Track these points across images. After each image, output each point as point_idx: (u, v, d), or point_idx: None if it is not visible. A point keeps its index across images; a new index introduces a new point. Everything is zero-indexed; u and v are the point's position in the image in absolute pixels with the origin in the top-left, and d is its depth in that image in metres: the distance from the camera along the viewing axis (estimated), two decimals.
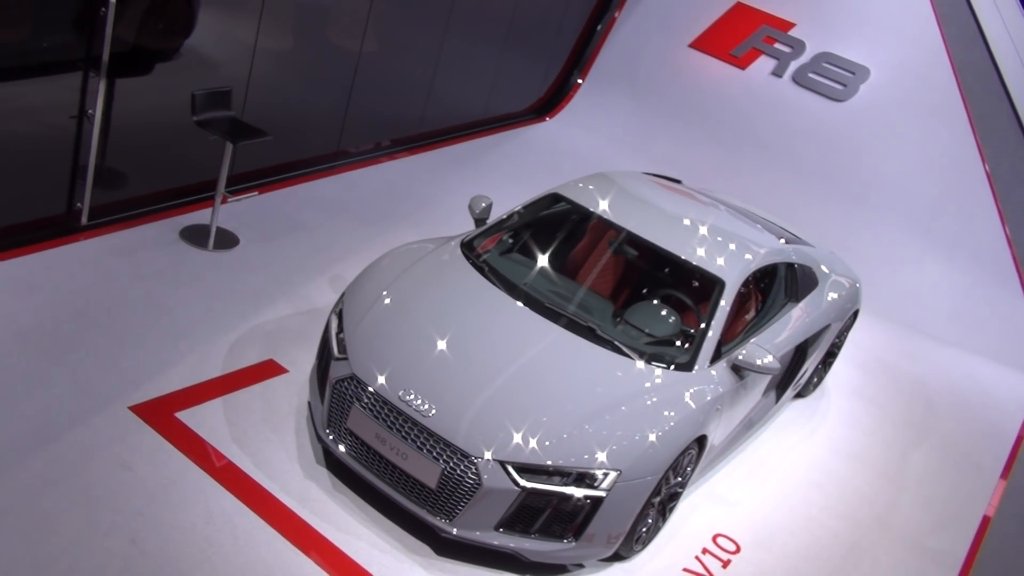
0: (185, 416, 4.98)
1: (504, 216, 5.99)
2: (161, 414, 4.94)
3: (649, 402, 4.82)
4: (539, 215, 6.04)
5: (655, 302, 5.60)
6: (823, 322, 6.61)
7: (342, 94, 8.64)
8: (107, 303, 5.69)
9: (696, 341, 5.29)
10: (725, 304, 5.43)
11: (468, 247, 5.64)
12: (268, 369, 5.58)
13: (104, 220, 6.51)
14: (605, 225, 5.86)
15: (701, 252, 5.65)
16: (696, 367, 5.17)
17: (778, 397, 6.50)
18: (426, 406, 4.50)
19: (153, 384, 5.14)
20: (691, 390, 5.02)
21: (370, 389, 4.62)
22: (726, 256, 5.68)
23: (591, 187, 6.12)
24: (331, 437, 4.77)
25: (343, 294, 5.28)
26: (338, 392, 4.75)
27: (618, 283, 5.79)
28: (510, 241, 5.90)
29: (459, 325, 4.97)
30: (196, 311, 5.90)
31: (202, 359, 5.47)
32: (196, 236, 6.70)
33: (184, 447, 4.75)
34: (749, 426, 6.15)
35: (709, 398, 5.06)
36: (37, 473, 4.34)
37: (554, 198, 6.04)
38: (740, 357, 5.28)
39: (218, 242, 6.71)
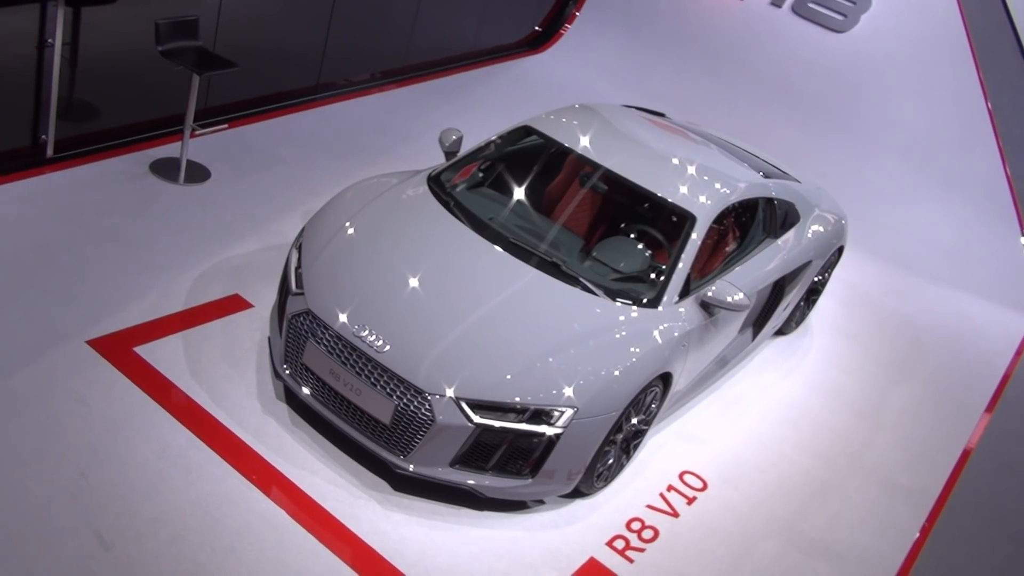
0: (144, 351, 4.94)
1: (474, 149, 5.85)
2: (119, 349, 4.90)
3: (611, 338, 4.75)
4: (510, 149, 5.90)
5: (624, 238, 5.49)
6: (803, 258, 6.49)
7: (322, 24, 8.43)
8: (70, 237, 5.63)
9: (664, 277, 5.19)
10: (696, 239, 5.31)
11: (436, 181, 5.53)
12: (232, 304, 5.52)
13: (71, 153, 6.41)
14: (576, 159, 5.72)
15: (675, 187, 5.52)
16: (663, 303, 5.08)
17: (755, 335, 6.42)
18: (380, 342, 4.44)
19: (113, 319, 5.09)
20: (657, 327, 4.93)
21: (325, 324, 4.56)
22: (699, 191, 5.54)
23: (564, 119, 5.97)
24: (288, 372, 4.73)
25: (304, 227, 5.19)
26: (294, 327, 4.69)
27: (590, 219, 5.67)
28: (480, 175, 5.78)
29: (420, 261, 4.88)
30: (162, 245, 5.83)
31: (165, 294, 5.42)
32: (166, 170, 6.59)
33: (141, 382, 4.72)
34: (723, 364, 6.07)
35: (675, 335, 4.98)
36: None
37: (526, 130, 5.90)
38: (709, 294, 5.19)
39: (188, 176, 6.61)
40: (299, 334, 4.66)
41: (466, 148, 5.96)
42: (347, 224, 5.03)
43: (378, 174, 5.76)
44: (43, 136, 6.23)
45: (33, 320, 4.90)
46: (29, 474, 4.05)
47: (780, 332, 7.09)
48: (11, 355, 4.64)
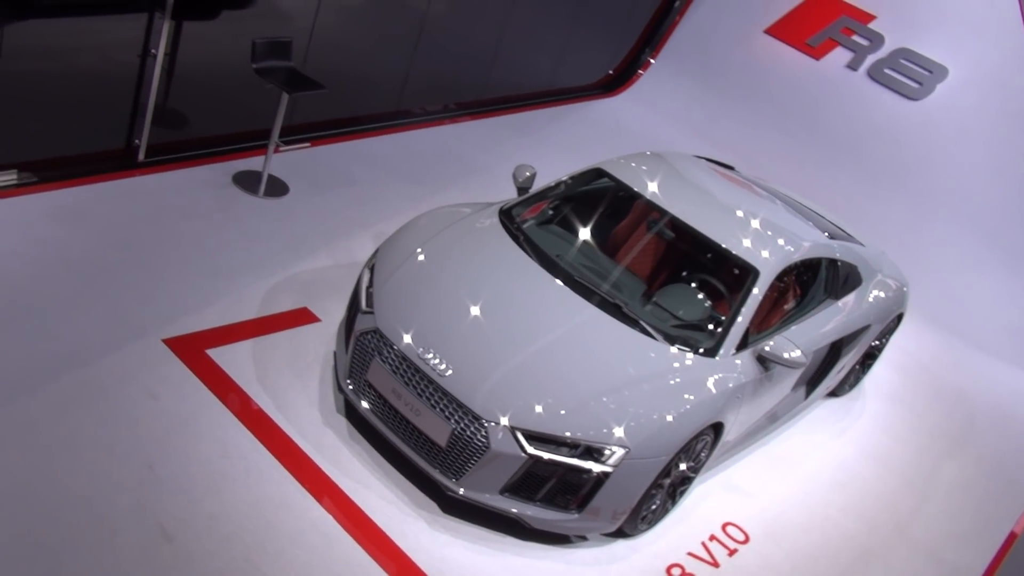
0: (215, 353, 5.13)
1: (545, 187, 6.00)
2: (192, 349, 5.10)
3: (668, 383, 4.82)
4: (581, 189, 6.04)
5: (687, 285, 5.58)
6: (863, 322, 6.50)
7: (406, 53, 8.70)
8: (154, 238, 5.87)
9: (724, 328, 5.26)
10: (757, 293, 5.37)
11: (507, 215, 5.68)
12: (301, 316, 5.71)
13: (160, 159, 6.69)
14: (645, 204, 5.83)
15: (740, 240, 5.60)
16: (720, 353, 5.14)
17: (808, 393, 6.43)
18: (443, 366, 4.57)
19: (188, 320, 5.30)
20: (712, 376, 5.00)
21: (392, 344, 4.71)
22: (765, 246, 5.61)
23: (635, 165, 6.09)
24: (351, 387, 4.88)
25: (378, 249, 5.37)
26: (361, 344, 4.84)
27: (653, 264, 5.76)
28: (550, 213, 5.91)
29: (487, 292, 5.01)
30: (238, 254, 6.05)
31: (238, 300, 5.62)
32: (248, 182, 6.84)
33: (210, 383, 4.91)
34: (774, 419, 6.10)
35: (730, 386, 5.04)
36: (66, 393, 4.52)
37: (598, 173, 6.03)
38: (767, 348, 5.24)
39: (268, 189, 6.85)
40: (365, 351, 4.81)
41: (538, 185, 6.11)
42: (419, 249, 5.20)
43: (452, 203, 5.93)
44: (136, 140, 6.53)
45: (115, 315, 5.13)
46: (100, 461, 4.24)
47: (833, 393, 7.09)
48: (93, 346, 4.86)
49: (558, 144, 9.97)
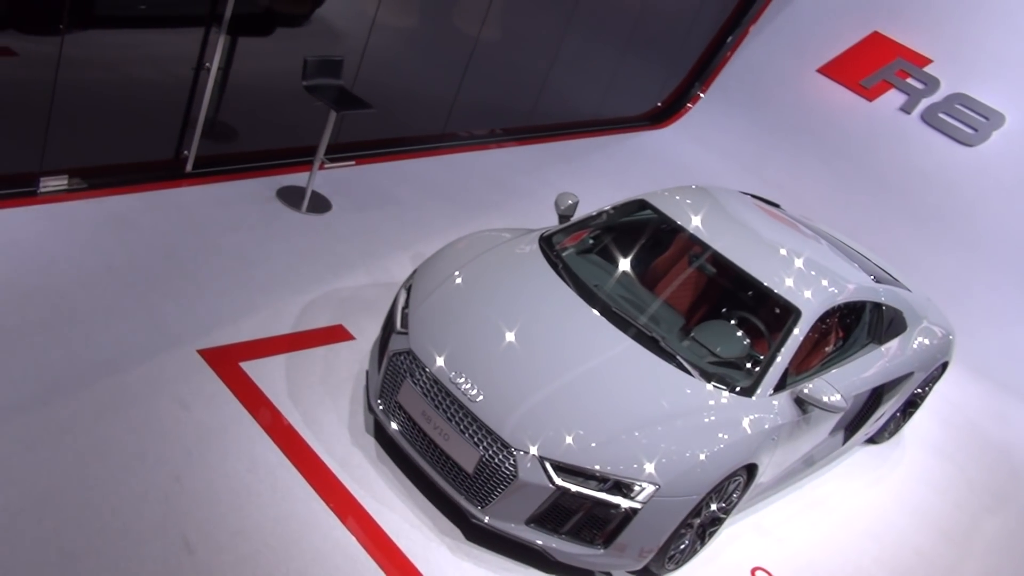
0: (249, 367, 5.15)
1: (587, 215, 5.96)
2: (226, 361, 5.11)
3: (702, 421, 4.73)
4: (623, 220, 5.99)
5: (725, 322, 5.49)
6: (905, 369, 6.36)
7: (455, 78, 8.75)
8: (196, 249, 5.93)
9: (762, 367, 5.16)
10: (798, 334, 5.27)
11: (547, 242, 5.64)
12: (336, 334, 5.71)
13: (207, 171, 6.77)
14: (687, 238, 5.76)
15: (783, 279, 5.50)
16: (758, 393, 5.04)
17: (846, 439, 6.29)
18: (475, 391, 4.53)
19: (224, 332, 5.32)
20: (748, 416, 4.90)
21: (424, 367, 4.68)
22: (808, 286, 5.51)
23: (679, 197, 6.03)
24: (381, 408, 4.86)
25: (415, 270, 5.36)
26: (394, 365, 4.82)
27: (693, 299, 5.69)
28: (590, 242, 5.87)
29: (523, 319, 4.97)
30: (278, 268, 6.08)
31: (275, 315, 5.64)
32: (291, 197, 6.90)
33: (242, 396, 4.91)
34: (810, 463, 5.97)
35: (766, 427, 4.94)
36: (100, 400, 4.55)
37: (641, 204, 5.98)
38: (806, 391, 5.13)
39: (311, 206, 6.90)
40: (397, 372, 4.79)
41: (580, 214, 6.08)
42: (457, 273, 5.18)
43: (492, 228, 5.91)
44: (185, 152, 6.61)
45: (153, 323, 5.17)
46: (128, 469, 4.25)
47: (872, 440, 6.93)
48: (129, 354, 4.90)
49: (603, 173, 9.95)
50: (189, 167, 6.65)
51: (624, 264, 5.73)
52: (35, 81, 5.62)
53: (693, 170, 11.03)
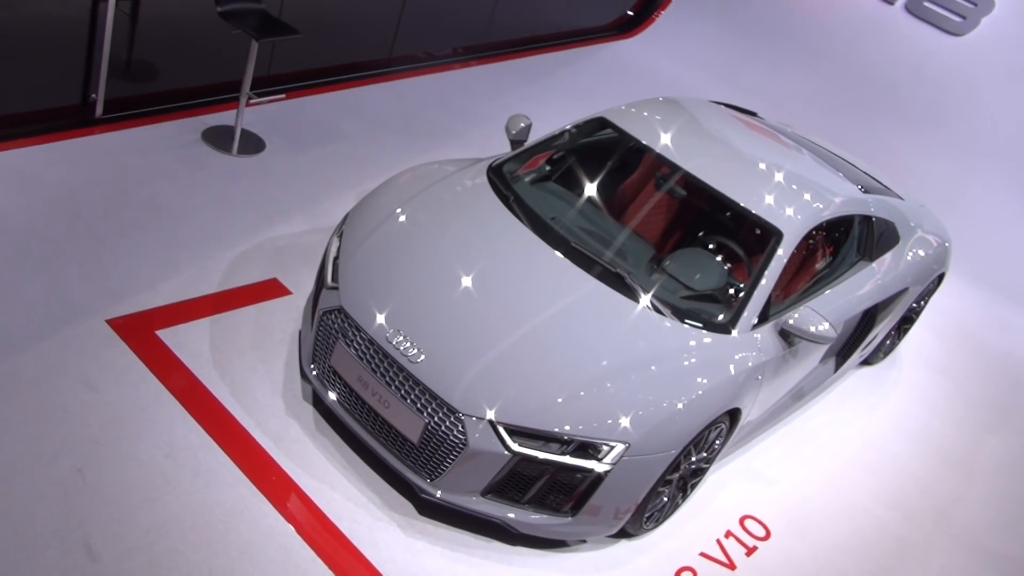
0: (167, 335, 4.59)
1: (542, 139, 5.34)
2: (141, 331, 4.55)
3: (675, 366, 4.21)
4: (582, 142, 5.38)
5: (699, 250, 4.93)
6: (900, 285, 5.83)
7: None
8: (108, 205, 5.31)
9: (740, 300, 4.62)
10: (780, 257, 4.72)
11: (496, 172, 5.04)
12: (269, 289, 5.14)
13: (121, 115, 6.10)
14: (654, 159, 5.16)
15: (761, 197, 4.93)
16: (737, 328, 4.51)
17: (838, 366, 5.80)
18: (415, 350, 3.98)
19: (139, 297, 4.75)
20: (728, 355, 4.38)
21: (357, 325, 4.13)
22: (788, 203, 4.94)
23: (644, 113, 5.41)
24: (315, 374, 4.32)
25: (348, 214, 4.76)
26: (325, 324, 4.27)
27: (663, 227, 5.13)
28: (546, 169, 5.27)
29: (469, 262, 4.40)
30: (203, 219, 5.48)
31: (198, 273, 5.06)
32: (219, 139, 6.24)
33: (158, 369, 4.36)
34: (799, 397, 5.48)
35: (749, 366, 4.42)
36: None
37: (601, 123, 5.36)
38: (791, 322, 4.60)
39: (242, 147, 6.25)
40: (329, 333, 4.24)
41: (535, 137, 5.45)
42: (393, 214, 4.58)
43: (437, 160, 5.29)
44: (92, 95, 5.93)
45: (55, 293, 4.58)
46: (22, 465, 3.72)
47: (866, 362, 6.44)
48: (25, 330, 4.33)
49: (568, 91, 9.26)
50: (99, 112, 5.97)
51: (584, 192, 5.15)
52: None
53: (665, 81, 10.33)
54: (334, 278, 4.37)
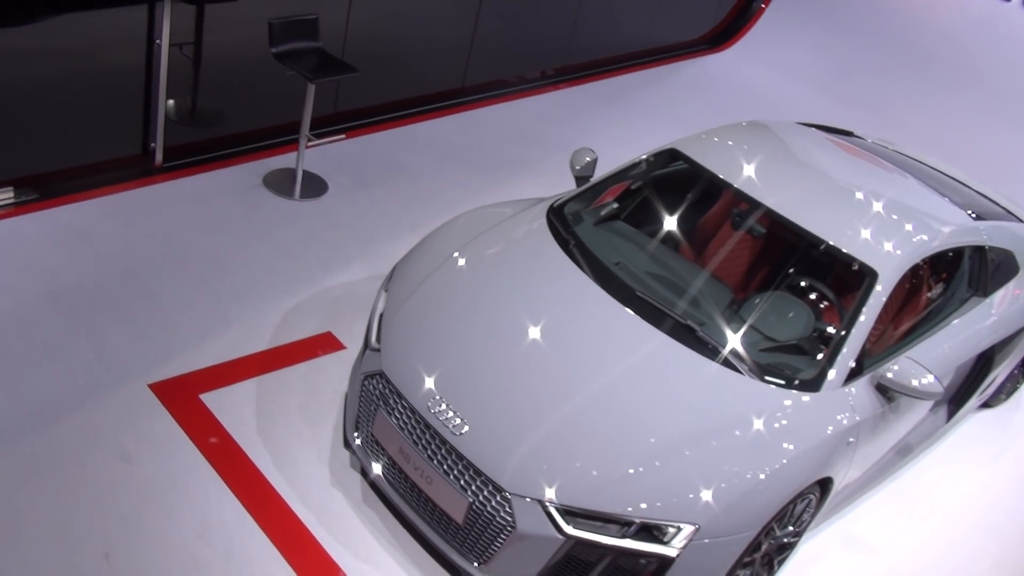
0: (211, 398, 4.37)
1: (608, 175, 4.94)
2: (183, 394, 4.35)
3: (753, 433, 3.73)
4: (652, 176, 4.94)
5: (781, 296, 4.42)
6: (1021, 321, 5.17)
7: (469, 18, 7.71)
8: (162, 258, 5.17)
9: (829, 351, 4.10)
10: (875, 301, 4.18)
11: (557, 214, 4.65)
12: (322, 343, 4.89)
13: (183, 162, 5.99)
14: (730, 193, 4.69)
15: (852, 232, 4.39)
16: (826, 385, 3.99)
17: (951, 414, 5.17)
18: (458, 421, 3.63)
19: (185, 358, 4.55)
20: (814, 418, 3.87)
21: (398, 392, 3.80)
22: (885, 237, 4.39)
23: (720, 141, 4.94)
24: (359, 443, 4.01)
25: (395, 265, 4.46)
26: (367, 390, 3.96)
27: (739, 270, 4.64)
28: (613, 207, 4.86)
29: (523, 319, 4.01)
30: (259, 269, 5.28)
31: (250, 328, 4.85)
32: (281, 183, 6.07)
33: (197, 436, 4.14)
34: (905, 452, 4.89)
35: (839, 429, 3.90)
36: (22, 461, 3.84)
37: (672, 155, 4.92)
38: (889, 375, 4.06)
39: (304, 190, 6.06)
40: (371, 399, 3.93)
41: (606, 170, 5.04)
42: (440, 266, 4.25)
43: (499, 201, 4.95)
44: (152, 143, 5.83)
45: (99, 357, 4.43)
46: (45, 549, 3.53)
47: (985, 405, 5.76)
48: (66, 398, 4.17)
49: (654, 112, 8.80)
50: (158, 160, 5.87)
51: (653, 233, 4.71)
52: None
53: (762, 96, 9.75)
54: (378, 338, 4.06)
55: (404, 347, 3.93)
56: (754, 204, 4.55)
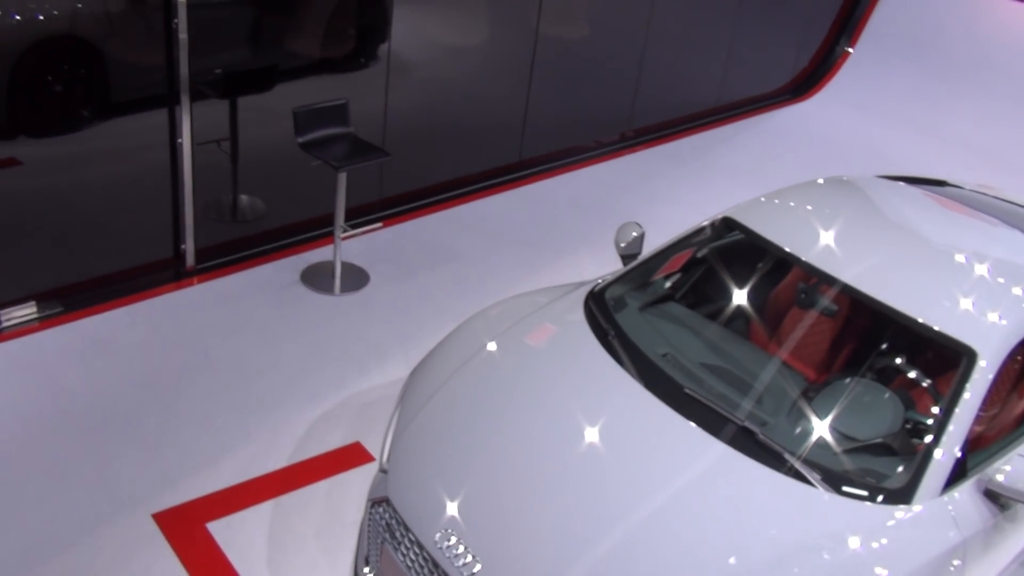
0: (219, 527, 3.96)
1: (654, 252, 4.38)
2: (189, 525, 3.95)
3: (827, 561, 3.06)
4: (706, 250, 4.37)
5: (861, 385, 3.75)
6: None
7: (519, 91, 7.34)
8: (185, 367, 4.85)
9: (922, 453, 3.40)
10: (978, 387, 3.47)
11: (597, 300, 4.11)
12: (349, 456, 4.44)
13: (218, 262, 5.74)
14: (796, 267, 4.07)
15: (946, 305, 3.70)
16: (919, 495, 3.29)
17: None
18: (469, 558, 3.09)
19: (196, 481, 4.17)
20: (907, 538, 3.17)
21: (405, 524, 3.30)
22: (988, 307, 3.69)
23: (780, 205, 4.34)
24: (370, 575, 3.52)
25: (413, 371, 3.99)
26: (374, 519, 3.47)
27: (809, 357, 3.99)
28: (665, 287, 4.30)
29: (549, 431, 3.44)
30: (287, 375, 4.91)
31: (270, 443, 4.45)
32: (319, 277, 5.74)
33: (201, 574, 3.72)
34: None
35: (940, 550, 3.19)
36: None
37: (727, 225, 4.34)
38: (999, 478, 3.33)
39: (344, 283, 5.71)
40: (377, 529, 3.44)
41: (652, 246, 4.49)
42: (457, 372, 3.75)
43: (529, 291, 4.44)
44: (183, 245, 5.60)
45: (103, 484, 4.09)
46: None
47: None
48: (60, 531, 3.83)
49: (736, 170, 8.21)
50: (190, 263, 5.63)
51: (706, 317, 4.12)
52: None
53: (851, 145, 9.04)
54: (388, 458, 3.58)
55: (413, 468, 3.44)
56: (825, 278, 3.91)
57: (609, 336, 3.86)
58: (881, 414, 3.63)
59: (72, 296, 5.19)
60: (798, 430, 3.52)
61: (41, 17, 5.06)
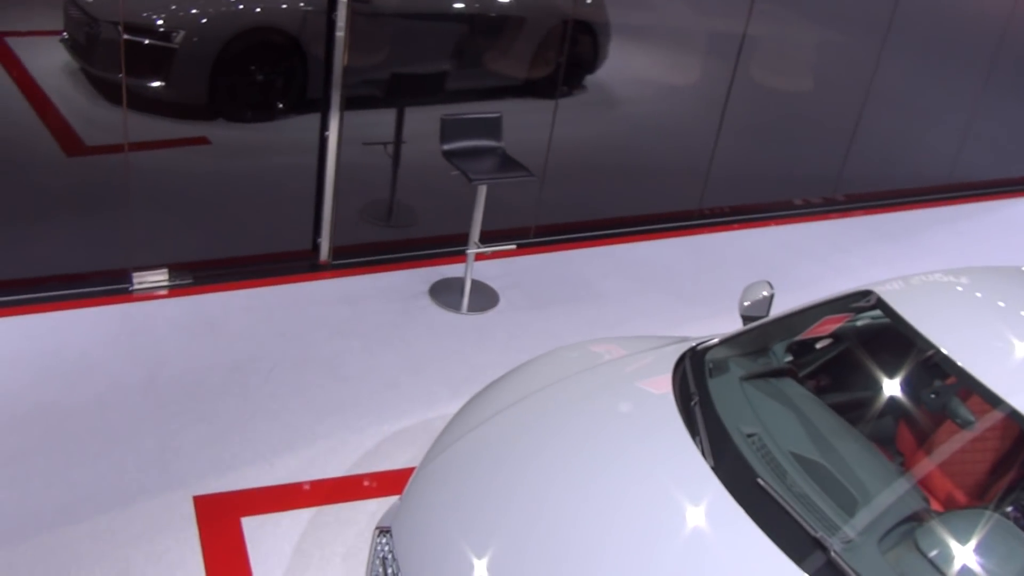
0: (253, 524, 3.79)
1: (778, 316, 3.78)
2: (223, 514, 3.81)
3: None
4: (836, 326, 3.72)
5: (993, 522, 2.98)
6: None
7: (707, 136, 6.84)
8: (278, 359, 4.78)
9: None
10: None
11: (695, 359, 3.58)
12: (406, 480, 4.14)
13: (353, 261, 5.69)
14: (936, 362, 3.34)
15: None
16: None
17: None
18: None
19: (248, 472, 4.04)
20: None
21: (396, 559, 2.95)
22: None
23: (942, 285, 3.62)
24: None
25: (467, 401, 3.63)
26: (376, 547, 3.14)
27: (932, 473, 3.25)
28: (785, 360, 3.69)
29: (579, 497, 2.96)
30: (377, 384, 4.71)
31: (334, 449, 4.25)
32: (447, 292, 5.54)
33: (213, 567, 3.55)
34: None
35: None
36: (17, 564, 3.46)
37: (867, 297, 3.67)
38: None
39: (472, 302, 5.47)
40: (375, 559, 3.11)
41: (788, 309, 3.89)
42: (502, 412, 3.35)
43: (627, 335, 3.99)
44: (318, 240, 5.58)
45: (159, 455, 4.05)
46: None
47: None
48: (99, 494, 3.79)
49: (948, 255, 7.25)
50: (324, 258, 5.60)
51: (816, 403, 3.47)
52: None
53: None
54: (405, 489, 3.25)
55: (422, 504, 3.09)
56: (967, 380, 3.17)
57: (691, 402, 3.32)
58: (1018, 561, 2.86)
59: (204, 271, 5.28)
60: (888, 558, 2.83)
61: (258, 9, 5.29)
